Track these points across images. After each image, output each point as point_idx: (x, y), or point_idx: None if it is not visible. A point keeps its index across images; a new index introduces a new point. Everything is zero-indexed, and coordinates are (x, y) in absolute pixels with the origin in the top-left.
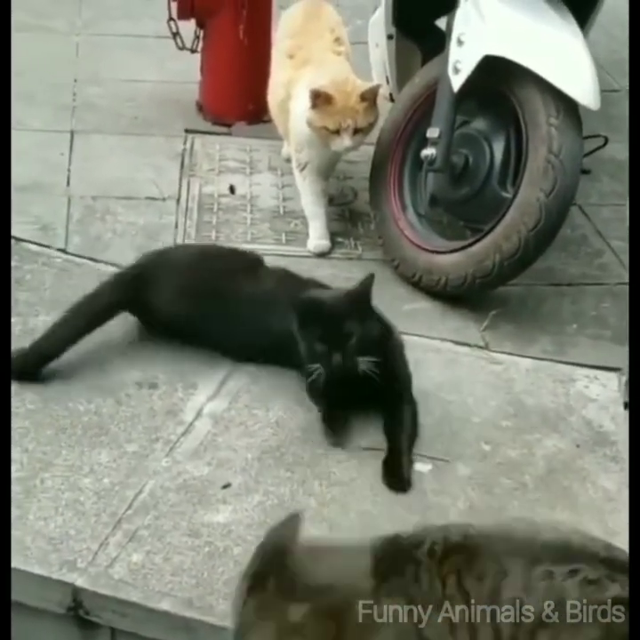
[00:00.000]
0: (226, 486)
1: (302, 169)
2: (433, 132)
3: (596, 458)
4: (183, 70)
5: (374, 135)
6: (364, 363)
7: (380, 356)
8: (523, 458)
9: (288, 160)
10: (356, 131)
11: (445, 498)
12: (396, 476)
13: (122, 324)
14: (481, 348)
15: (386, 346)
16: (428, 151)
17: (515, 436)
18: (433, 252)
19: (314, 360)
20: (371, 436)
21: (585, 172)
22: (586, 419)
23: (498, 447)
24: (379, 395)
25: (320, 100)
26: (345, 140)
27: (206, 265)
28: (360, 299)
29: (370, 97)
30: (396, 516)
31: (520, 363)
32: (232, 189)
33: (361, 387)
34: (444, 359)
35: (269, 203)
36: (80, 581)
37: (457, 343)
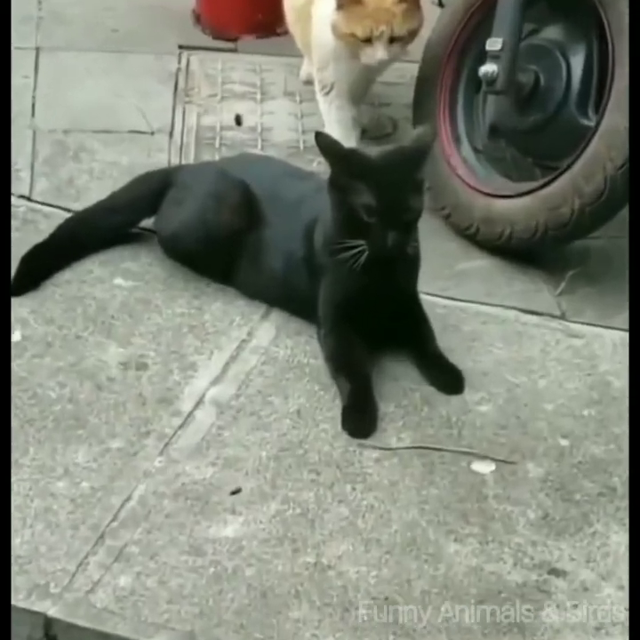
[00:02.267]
0: (235, 492)
1: (327, 92)
2: (494, 44)
3: None
4: None
5: (418, 49)
6: (412, 248)
7: (418, 249)
8: (609, 455)
9: (309, 82)
10: (393, 39)
11: (512, 506)
12: (450, 372)
13: (101, 282)
14: (555, 317)
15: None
16: (488, 68)
17: (599, 428)
18: (494, 196)
19: (353, 235)
20: (409, 431)
21: None
22: None
23: (578, 442)
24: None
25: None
26: (378, 51)
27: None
28: (418, 160)
29: None
30: (450, 529)
31: (605, 335)
32: (238, 120)
33: (394, 294)
34: (509, 331)
35: (286, 136)
36: (53, 611)
37: (525, 311)
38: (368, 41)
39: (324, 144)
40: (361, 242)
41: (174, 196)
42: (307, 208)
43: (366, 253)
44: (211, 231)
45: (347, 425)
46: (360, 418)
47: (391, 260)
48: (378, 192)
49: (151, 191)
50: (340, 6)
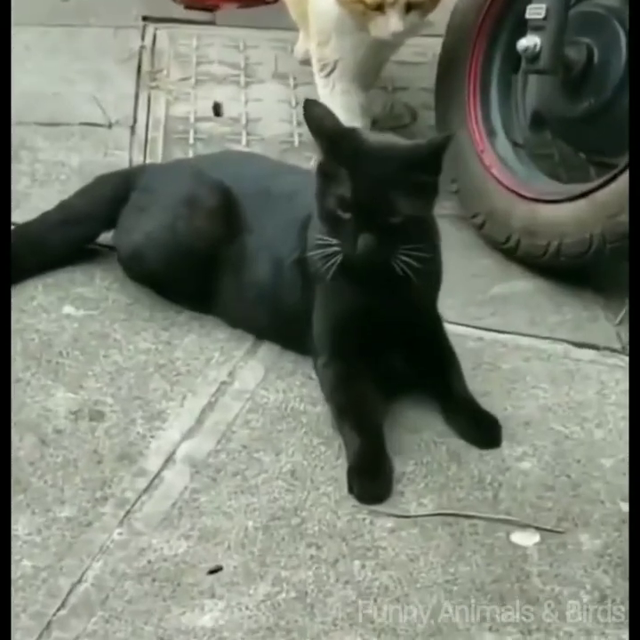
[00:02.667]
0: (214, 571)
1: (328, 73)
2: (535, 11)
3: None
4: None
5: (442, 19)
6: (404, 262)
7: (428, 267)
8: None
9: (306, 61)
10: (410, 6)
11: (561, 586)
12: (483, 421)
13: (46, 312)
14: (615, 351)
15: (435, 254)
16: (529, 41)
17: None
18: (538, 201)
19: (331, 232)
20: (432, 494)
21: None
22: None
23: None
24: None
25: None
26: (392, 22)
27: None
28: (425, 159)
29: None
30: (484, 615)
31: None
32: (217, 109)
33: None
34: (558, 369)
35: (276, 129)
36: None
37: (577, 345)
38: (379, 8)
39: (316, 117)
40: (335, 241)
41: (137, 202)
42: (300, 203)
43: (340, 257)
44: (182, 245)
45: (354, 487)
46: (371, 478)
47: (372, 270)
48: (357, 183)
49: (110, 198)
50: None
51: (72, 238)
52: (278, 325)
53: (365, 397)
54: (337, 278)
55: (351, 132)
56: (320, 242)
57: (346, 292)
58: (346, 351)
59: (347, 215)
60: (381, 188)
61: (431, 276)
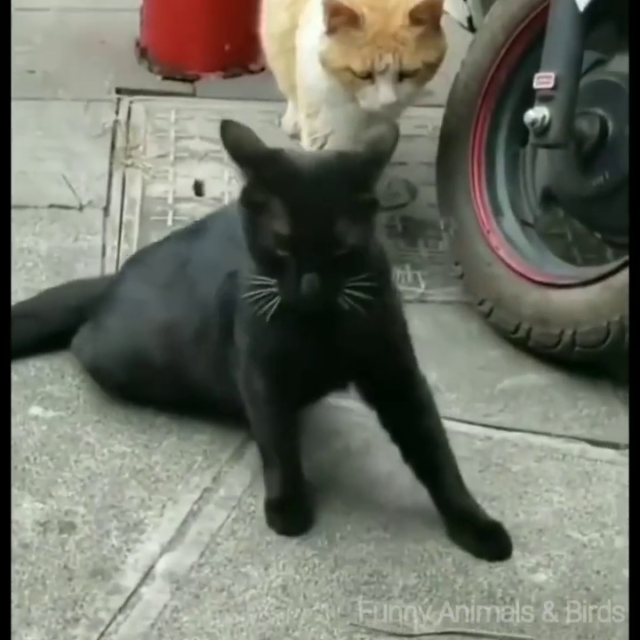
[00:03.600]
0: None
1: (319, 148)
2: (544, 80)
3: None
4: None
5: (443, 88)
6: (351, 296)
7: (380, 299)
8: None
9: (295, 135)
10: (403, 75)
11: None
12: (487, 532)
13: (11, 413)
14: None
15: (386, 286)
16: (537, 113)
17: None
18: (549, 285)
19: (266, 271)
20: (438, 610)
21: None
22: None
23: None
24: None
25: (340, 18)
26: (382, 92)
27: None
28: (365, 173)
29: (427, 17)
30: None
31: None
32: (198, 188)
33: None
34: (574, 471)
35: None
36: None
37: (594, 443)
38: (369, 77)
39: (234, 140)
40: (272, 281)
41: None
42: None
43: (278, 299)
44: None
45: (274, 521)
46: (291, 510)
47: (315, 314)
48: (294, 215)
49: (80, 297)
50: (330, 30)
51: (34, 332)
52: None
53: (292, 434)
54: (274, 321)
55: (277, 153)
56: (253, 282)
57: (285, 336)
58: (282, 403)
59: (285, 253)
60: (323, 219)
61: (386, 308)
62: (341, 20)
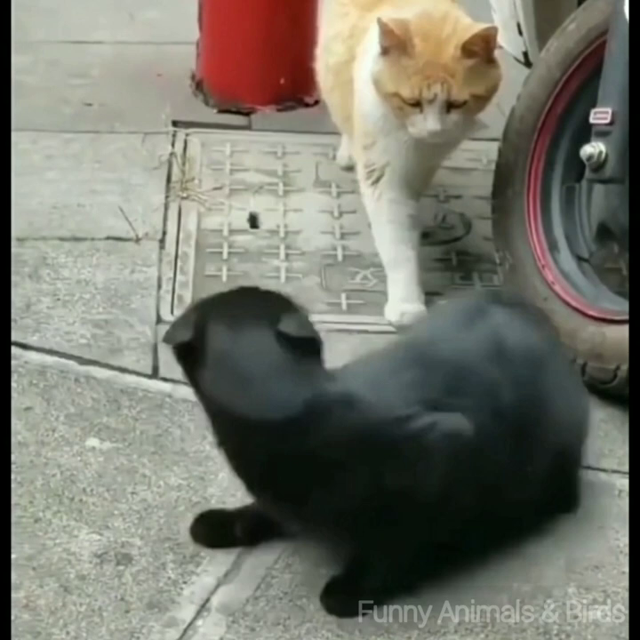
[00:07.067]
0: None
1: (375, 180)
2: (601, 116)
3: None
4: (167, 23)
5: (499, 122)
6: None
7: None
8: None
9: (349, 168)
10: (451, 105)
11: None
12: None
13: (68, 444)
14: None
15: None
16: (594, 148)
17: None
18: (605, 320)
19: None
20: None
21: None
22: None
23: None
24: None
25: (393, 43)
26: (429, 121)
27: None
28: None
29: (480, 49)
30: None
31: None
32: (253, 221)
33: None
34: None
35: (318, 242)
36: None
37: None
38: (417, 105)
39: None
40: None
41: None
42: None
43: None
44: None
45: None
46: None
47: None
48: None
49: None
50: (384, 51)
51: None
52: None
53: None
54: None
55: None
56: None
57: None
58: None
59: None
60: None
61: None
62: (394, 43)
